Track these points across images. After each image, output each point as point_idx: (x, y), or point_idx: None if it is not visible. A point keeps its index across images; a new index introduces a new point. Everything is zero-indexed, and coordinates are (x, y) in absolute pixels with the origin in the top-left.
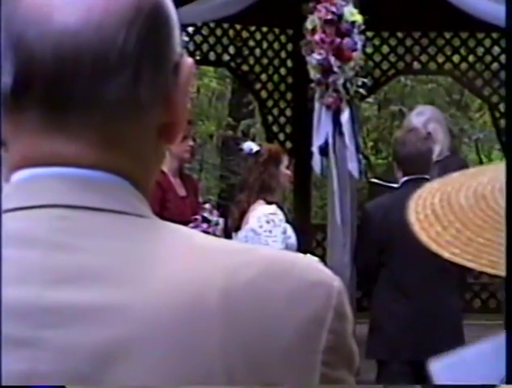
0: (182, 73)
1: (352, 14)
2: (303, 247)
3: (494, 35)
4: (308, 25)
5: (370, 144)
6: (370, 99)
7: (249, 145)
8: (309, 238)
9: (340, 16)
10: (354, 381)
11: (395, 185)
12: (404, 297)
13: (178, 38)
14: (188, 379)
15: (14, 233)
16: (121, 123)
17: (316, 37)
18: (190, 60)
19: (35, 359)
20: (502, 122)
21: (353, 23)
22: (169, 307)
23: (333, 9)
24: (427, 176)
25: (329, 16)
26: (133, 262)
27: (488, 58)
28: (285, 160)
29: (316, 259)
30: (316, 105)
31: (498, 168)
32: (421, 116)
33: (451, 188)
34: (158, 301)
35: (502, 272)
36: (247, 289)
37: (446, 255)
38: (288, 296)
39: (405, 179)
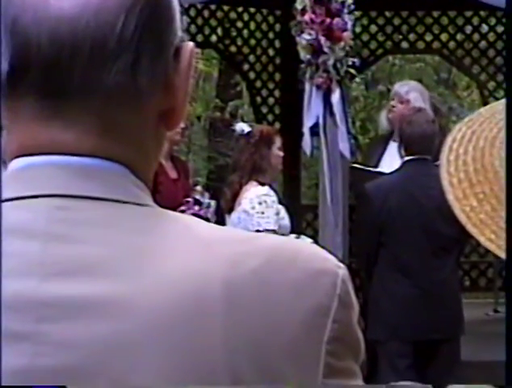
0: (182, 58)
1: None
2: (293, 228)
3: (482, 13)
4: (298, 5)
5: (358, 124)
6: (357, 79)
7: (241, 126)
8: (299, 219)
9: None
10: (359, 371)
11: (373, 169)
12: (404, 277)
13: (178, 22)
14: (191, 372)
15: (11, 223)
16: (120, 109)
17: (306, 17)
18: (191, 44)
19: (34, 353)
20: (491, 100)
21: (343, 3)
22: (171, 300)
23: None
24: (428, 157)
25: None
26: (134, 253)
27: (476, 36)
28: (277, 141)
29: (309, 240)
30: (307, 86)
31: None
32: (404, 86)
33: (483, 142)
34: (160, 293)
35: None
36: (250, 280)
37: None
38: (292, 286)
39: (407, 158)
